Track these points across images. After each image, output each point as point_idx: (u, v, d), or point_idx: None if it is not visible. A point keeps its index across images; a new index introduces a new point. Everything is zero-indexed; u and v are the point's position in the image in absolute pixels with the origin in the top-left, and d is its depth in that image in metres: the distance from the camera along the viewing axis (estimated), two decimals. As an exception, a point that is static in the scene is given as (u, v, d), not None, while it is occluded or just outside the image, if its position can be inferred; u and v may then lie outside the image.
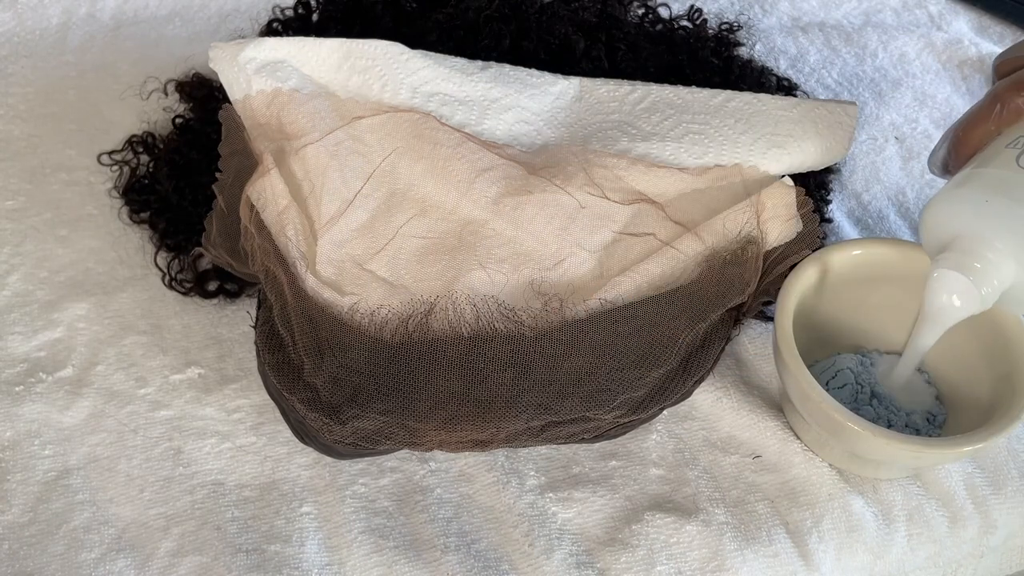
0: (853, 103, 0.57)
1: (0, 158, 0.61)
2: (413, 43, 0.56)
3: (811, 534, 0.46)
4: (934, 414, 0.48)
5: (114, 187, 0.60)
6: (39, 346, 0.52)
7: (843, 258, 0.48)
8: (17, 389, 0.50)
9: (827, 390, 0.44)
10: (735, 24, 0.68)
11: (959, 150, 0.44)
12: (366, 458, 0.48)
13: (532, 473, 0.48)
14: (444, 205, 0.53)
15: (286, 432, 0.48)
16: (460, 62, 0.56)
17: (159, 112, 0.64)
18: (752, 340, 0.53)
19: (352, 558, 0.45)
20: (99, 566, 0.44)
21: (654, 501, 0.47)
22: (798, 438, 0.49)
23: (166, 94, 0.65)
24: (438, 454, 0.48)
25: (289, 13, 0.66)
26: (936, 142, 0.47)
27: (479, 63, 0.57)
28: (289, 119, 0.52)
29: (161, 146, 0.61)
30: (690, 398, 0.49)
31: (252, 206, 0.50)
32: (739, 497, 0.47)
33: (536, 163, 0.54)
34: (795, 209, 0.52)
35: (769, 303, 0.52)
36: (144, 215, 0.58)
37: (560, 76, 0.57)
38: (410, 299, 0.50)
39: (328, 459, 0.48)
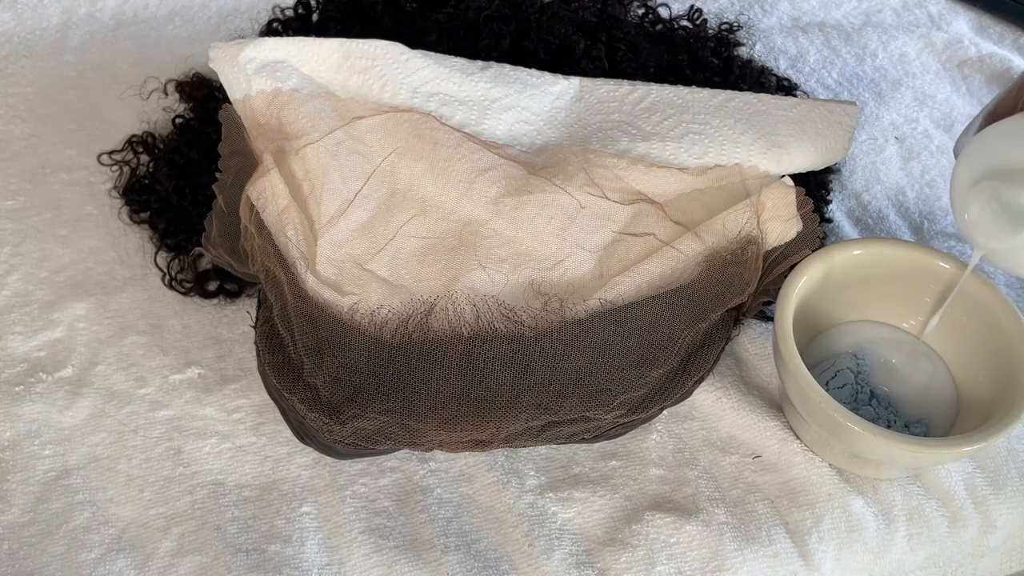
0: (853, 103, 0.57)
1: (0, 158, 0.61)
2: (413, 43, 0.56)
3: (811, 534, 0.46)
4: (938, 413, 0.48)
5: (114, 187, 0.60)
6: (39, 346, 0.52)
7: (843, 258, 0.48)
8: (17, 389, 0.50)
9: (827, 390, 0.45)
10: (735, 24, 0.68)
11: None
12: (366, 458, 0.48)
13: (532, 473, 0.48)
14: (444, 205, 0.53)
15: (286, 432, 0.48)
16: (460, 62, 0.56)
17: (159, 112, 0.64)
18: (752, 340, 0.53)
19: (352, 558, 0.45)
20: (99, 566, 0.44)
21: (654, 501, 0.47)
22: (798, 438, 0.49)
23: (166, 94, 0.65)
24: (438, 454, 0.48)
25: (289, 13, 0.66)
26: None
27: (479, 63, 0.57)
28: (289, 119, 0.52)
29: (161, 146, 0.61)
30: (690, 398, 0.49)
31: (252, 206, 0.49)
32: (739, 497, 0.47)
33: (536, 163, 0.54)
34: (795, 209, 0.52)
35: (769, 303, 0.52)
36: (144, 215, 0.58)
37: (560, 76, 0.57)
38: (410, 299, 0.50)
39: (328, 459, 0.48)
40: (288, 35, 0.62)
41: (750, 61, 0.66)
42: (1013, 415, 0.42)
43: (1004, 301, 0.46)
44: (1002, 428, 0.42)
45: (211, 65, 0.54)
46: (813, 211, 0.52)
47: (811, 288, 0.48)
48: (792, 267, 0.48)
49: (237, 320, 0.54)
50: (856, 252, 0.49)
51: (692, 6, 0.67)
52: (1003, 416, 0.43)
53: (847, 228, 0.60)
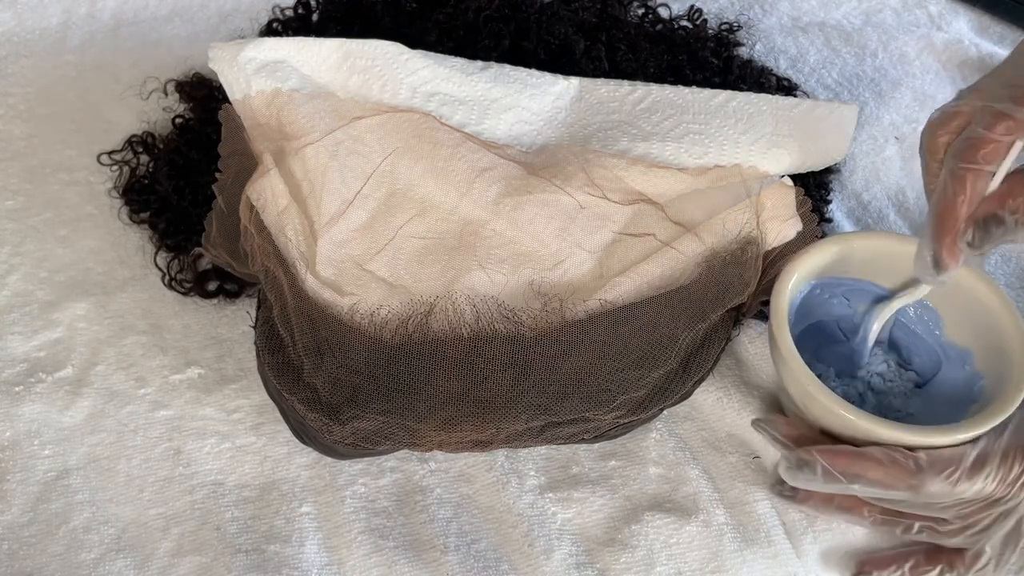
0: (853, 104, 0.57)
1: (0, 158, 0.62)
2: (413, 43, 0.56)
3: (806, 534, 0.46)
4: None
5: (114, 187, 0.60)
6: (39, 346, 0.52)
7: (840, 249, 0.48)
8: (17, 389, 0.50)
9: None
10: (735, 24, 0.68)
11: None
12: (366, 458, 0.48)
13: (532, 473, 0.48)
14: (444, 205, 0.53)
15: (286, 432, 0.48)
16: (460, 62, 0.56)
17: (159, 112, 0.64)
18: (752, 340, 0.53)
19: (352, 558, 0.45)
20: (99, 566, 0.44)
21: (654, 501, 0.47)
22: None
23: (166, 94, 0.65)
24: (438, 454, 0.48)
25: (289, 13, 0.66)
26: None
27: (479, 63, 0.57)
28: (289, 119, 0.52)
29: (161, 146, 0.61)
30: (690, 398, 0.49)
31: (252, 206, 0.50)
32: (738, 497, 0.47)
33: (536, 163, 0.54)
34: (795, 209, 0.52)
35: (769, 303, 0.52)
36: (144, 215, 0.58)
37: (560, 76, 0.57)
38: (410, 299, 0.50)
39: (328, 459, 0.48)
40: (288, 35, 0.62)
41: (750, 61, 0.66)
42: (1004, 406, 0.43)
43: (1000, 297, 0.47)
44: (995, 417, 0.42)
45: (211, 65, 0.54)
46: (813, 211, 0.52)
47: (804, 282, 0.48)
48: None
49: (237, 320, 0.54)
50: (856, 244, 0.49)
51: (692, 6, 0.67)
52: (995, 407, 0.43)
53: (847, 228, 0.60)
